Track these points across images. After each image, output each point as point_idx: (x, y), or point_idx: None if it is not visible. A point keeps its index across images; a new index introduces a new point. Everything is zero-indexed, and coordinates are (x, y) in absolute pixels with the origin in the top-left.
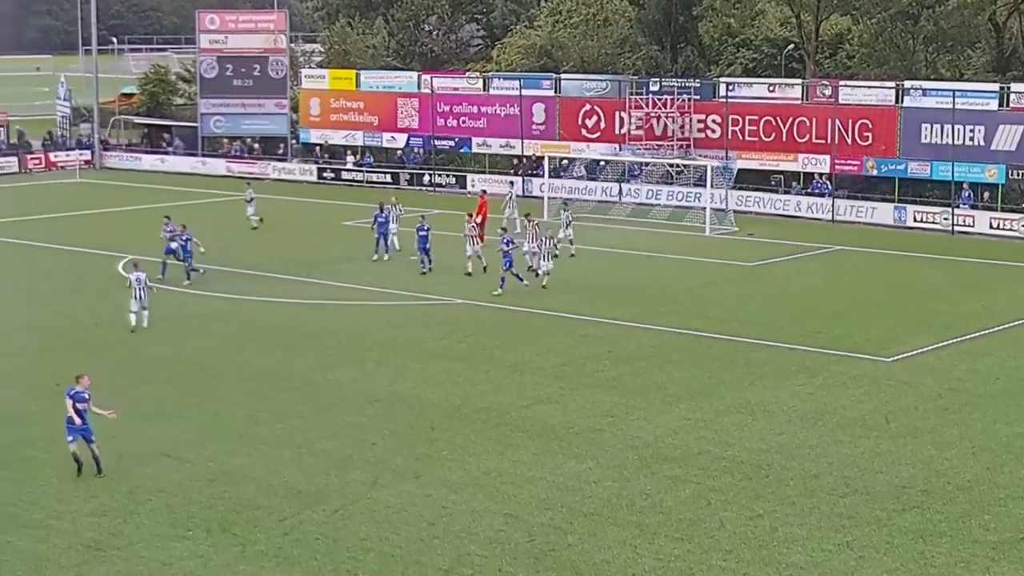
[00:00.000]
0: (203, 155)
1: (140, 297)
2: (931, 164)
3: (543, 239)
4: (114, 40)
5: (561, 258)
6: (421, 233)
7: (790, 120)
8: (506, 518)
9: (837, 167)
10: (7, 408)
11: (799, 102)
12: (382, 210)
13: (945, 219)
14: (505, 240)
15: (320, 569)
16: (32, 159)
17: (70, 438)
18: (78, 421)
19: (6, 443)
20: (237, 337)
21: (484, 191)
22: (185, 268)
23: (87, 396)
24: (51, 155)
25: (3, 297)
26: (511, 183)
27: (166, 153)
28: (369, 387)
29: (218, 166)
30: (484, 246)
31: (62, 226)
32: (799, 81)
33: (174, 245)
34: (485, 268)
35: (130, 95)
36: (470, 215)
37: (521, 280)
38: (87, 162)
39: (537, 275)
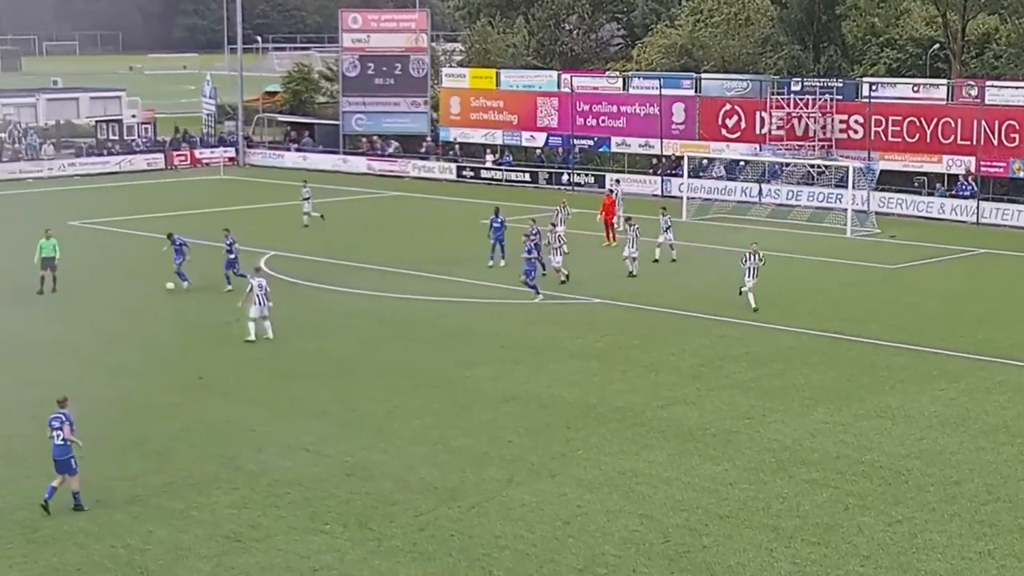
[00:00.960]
0: (344, 153)
1: (262, 303)
2: None
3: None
4: (259, 39)
5: (662, 263)
6: (495, 225)
7: (934, 121)
8: (641, 518)
9: (982, 169)
10: (150, 401)
11: (944, 103)
12: (497, 215)
13: None
14: (528, 248)
15: (455, 566)
16: (178, 156)
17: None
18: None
19: (149, 435)
20: (376, 334)
21: (611, 190)
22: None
23: (60, 423)
24: (196, 152)
25: (148, 292)
26: (563, 203)
27: (309, 150)
28: (505, 385)
29: (359, 164)
30: (616, 244)
31: (206, 222)
32: (944, 81)
33: (232, 256)
34: (632, 273)
35: (273, 93)
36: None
37: (536, 291)
38: (231, 159)
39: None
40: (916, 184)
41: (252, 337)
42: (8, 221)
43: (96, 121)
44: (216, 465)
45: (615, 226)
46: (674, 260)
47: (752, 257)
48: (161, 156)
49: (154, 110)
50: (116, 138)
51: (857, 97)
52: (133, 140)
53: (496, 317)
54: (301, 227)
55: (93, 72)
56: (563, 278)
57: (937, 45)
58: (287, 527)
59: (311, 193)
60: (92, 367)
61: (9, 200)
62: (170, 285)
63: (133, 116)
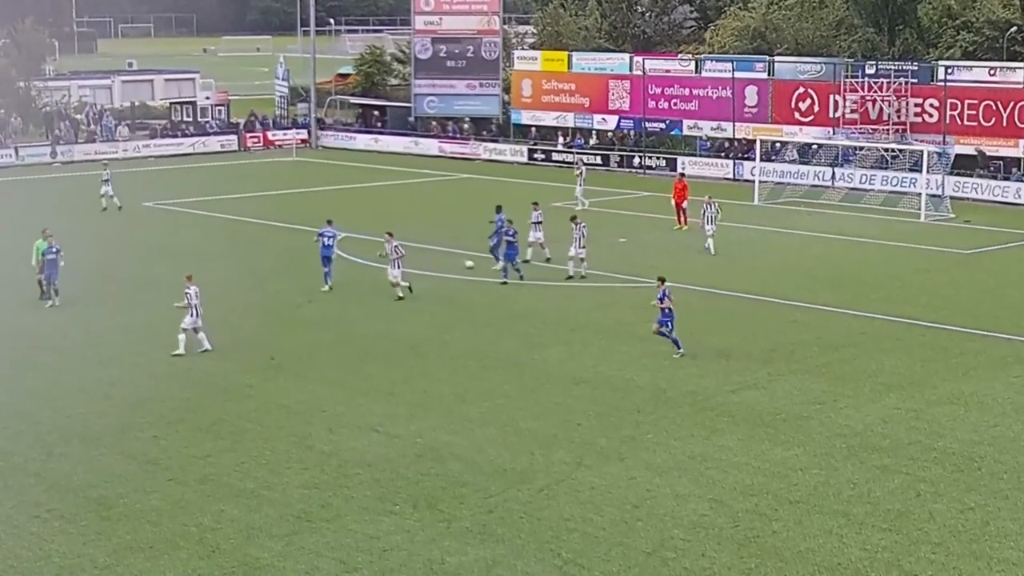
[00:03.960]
0: (416, 135)
1: (196, 314)
2: None
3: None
4: (331, 21)
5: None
6: (500, 224)
7: (1011, 105)
8: (710, 503)
9: None
10: (224, 382)
11: (1021, 86)
12: (499, 212)
13: None
14: (511, 232)
15: (524, 548)
16: (251, 137)
17: None
18: None
19: (222, 415)
20: (445, 315)
21: (682, 174)
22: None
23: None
24: (269, 134)
25: (221, 273)
26: (581, 159)
27: (380, 132)
28: (574, 368)
29: (431, 146)
30: (687, 228)
31: (277, 203)
32: (1022, 65)
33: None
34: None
35: (346, 75)
36: (573, 216)
37: (519, 272)
38: (303, 141)
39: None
40: (992, 169)
41: (181, 351)
42: (87, 201)
43: (170, 103)
44: (287, 445)
45: (686, 210)
46: (714, 254)
47: (709, 207)
48: (234, 138)
49: (228, 92)
50: (190, 120)
51: (932, 80)
52: (207, 122)
53: (565, 300)
54: (115, 211)
55: (168, 54)
56: (547, 255)
57: (1015, 28)
58: (357, 507)
59: (110, 176)
60: (166, 347)
61: (86, 181)
62: (469, 263)
63: (207, 98)
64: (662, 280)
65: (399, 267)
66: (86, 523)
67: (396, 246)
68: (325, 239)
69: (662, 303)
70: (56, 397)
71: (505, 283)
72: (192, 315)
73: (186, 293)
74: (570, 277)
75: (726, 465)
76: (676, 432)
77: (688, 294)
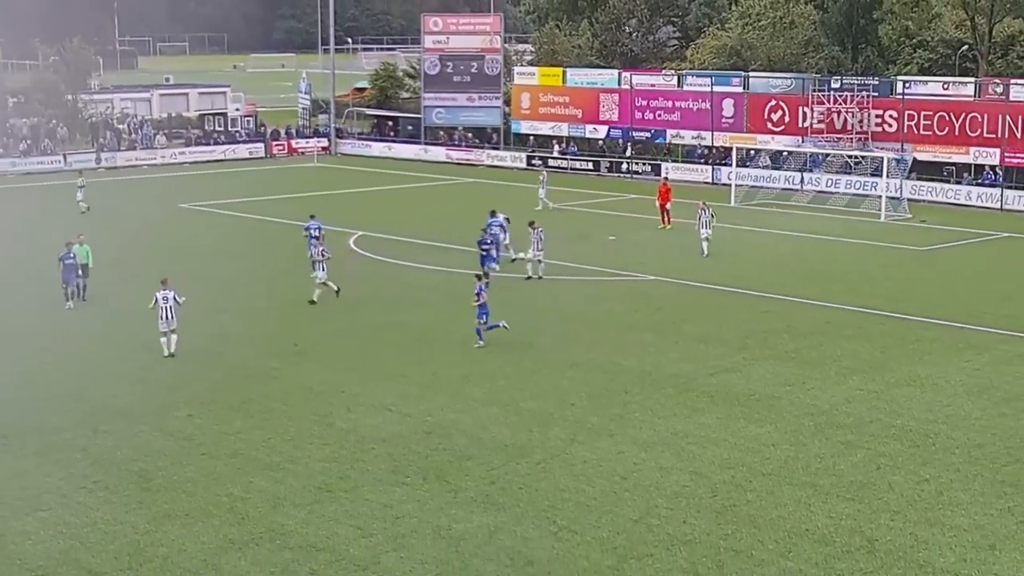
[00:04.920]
0: (425, 143)
1: (168, 317)
2: None
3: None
4: (349, 40)
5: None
6: (495, 226)
7: (963, 116)
8: (691, 475)
9: (1006, 160)
10: (252, 365)
11: (971, 99)
12: (494, 215)
13: None
14: (486, 240)
15: (523, 515)
16: (276, 145)
17: None
18: None
19: (250, 396)
20: (449, 306)
21: (666, 178)
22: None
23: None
24: (293, 142)
25: (249, 268)
26: (544, 165)
27: (393, 141)
28: (569, 353)
29: (439, 153)
30: (670, 228)
31: (300, 205)
32: (972, 80)
33: None
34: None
35: (362, 89)
36: (531, 222)
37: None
38: (324, 148)
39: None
40: (945, 173)
41: (166, 353)
42: (129, 202)
43: (203, 114)
44: (310, 423)
45: (669, 211)
46: (706, 255)
47: (704, 212)
48: (262, 145)
49: (255, 104)
50: (221, 129)
51: (892, 94)
52: (236, 131)
53: (559, 292)
54: (80, 214)
55: (201, 70)
56: (513, 257)
57: (966, 47)
58: (373, 479)
59: (85, 183)
60: (200, 336)
61: (128, 184)
62: (519, 254)
63: (236, 110)
64: (479, 276)
65: (324, 269)
66: (128, 493)
67: (323, 249)
68: (311, 231)
69: (478, 299)
70: (99, 380)
71: (529, 278)
72: (161, 318)
73: (156, 296)
74: (529, 278)
75: (705, 441)
76: (660, 411)
77: (671, 287)
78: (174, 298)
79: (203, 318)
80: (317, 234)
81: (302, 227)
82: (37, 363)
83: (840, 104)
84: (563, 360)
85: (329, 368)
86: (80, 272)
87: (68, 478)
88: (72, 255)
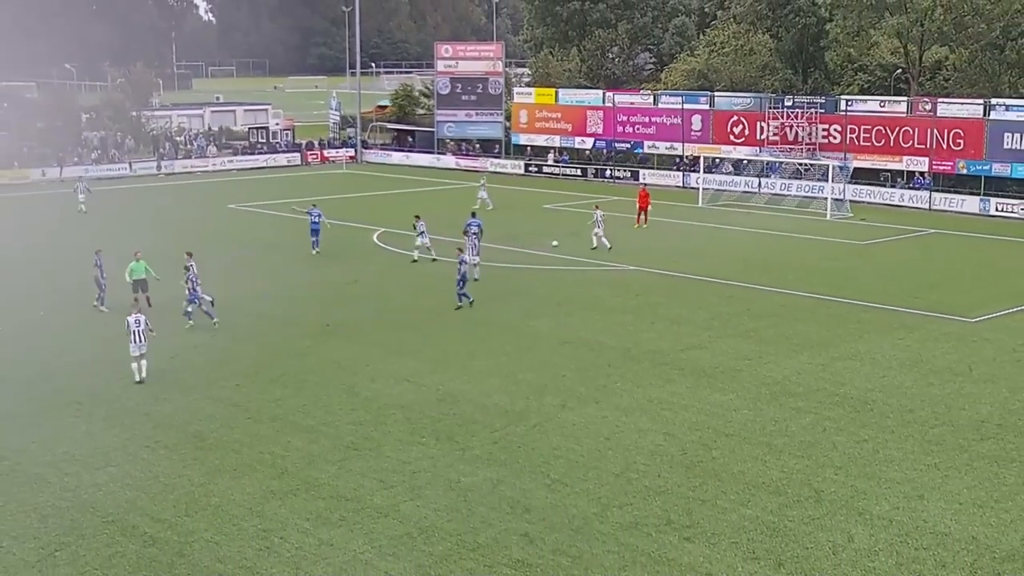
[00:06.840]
0: (438, 153)
1: (139, 341)
2: (1011, 165)
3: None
4: (373, 65)
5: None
6: (473, 229)
7: (897, 129)
8: (664, 436)
9: (934, 167)
10: (289, 343)
11: (904, 115)
12: (474, 216)
13: (1022, 209)
14: (461, 259)
15: (521, 470)
16: (311, 154)
17: None
18: None
19: (287, 369)
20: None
21: (645, 183)
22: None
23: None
24: (324, 152)
25: (284, 260)
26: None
27: (410, 150)
28: (560, 333)
29: (449, 161)
30: (646, 227)
31: (331, 205)
32: (905, 99)
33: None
34: (609, 246)
35: (384, 107)
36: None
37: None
38: (351, 157)
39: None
40: (882, 179)
41: (137, 378)
42: (187, 203)
43: (248, 128)
44: (339, 392)
45: (647, 212)
46: (607, 248)
47: (596, 213)
48: (298, 155)
49: (293, 119)
50: (264, 141)
51: (836, 111)
52: (276, 143)
53: (553, 280)
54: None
55: (246, 90)
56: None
57: (899, 70)
58: (393, 440)
59: (86, 188)
60: (245, 316)
61: (184, 188)
62: (555, 242)
63: (277, 124)
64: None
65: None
66: (184, 451)
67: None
68: (312, 216)
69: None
70: (157, 356)
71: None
72: (133, 342)
73: (127, 321)
74: (476, 279)
75: (677, 407)
76: (638, 381)
77: (648, 276)
78: (145, 323)
79: (247, 302)
80: (316, 220)
81: (305, 212)
82: (102, 342)
83: (792, 119)
84: (555, 338)
85: (355, 345)
86: (141, 288)
87: (133, 438)
88: (99, 264)
